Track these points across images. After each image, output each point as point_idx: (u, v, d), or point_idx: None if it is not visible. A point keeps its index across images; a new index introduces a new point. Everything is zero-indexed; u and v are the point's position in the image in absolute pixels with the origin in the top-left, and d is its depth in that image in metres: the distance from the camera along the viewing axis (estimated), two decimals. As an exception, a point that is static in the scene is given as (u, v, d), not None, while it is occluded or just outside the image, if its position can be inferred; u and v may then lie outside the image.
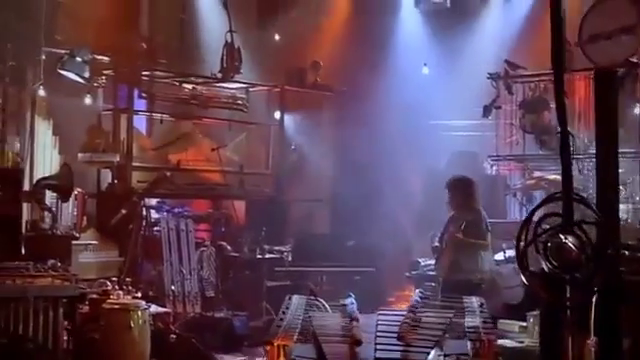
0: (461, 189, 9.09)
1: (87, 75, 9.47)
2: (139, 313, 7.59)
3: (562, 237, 4.45)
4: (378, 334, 4.72)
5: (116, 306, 7.64)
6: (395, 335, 4.57)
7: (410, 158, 13.51)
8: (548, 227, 4.56)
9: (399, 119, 13.35)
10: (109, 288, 7.79)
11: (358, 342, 4.25)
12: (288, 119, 13.06)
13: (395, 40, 14.06)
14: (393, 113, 13.27)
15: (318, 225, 13.30)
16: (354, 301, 5.80)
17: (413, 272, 10.89)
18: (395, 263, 12.11)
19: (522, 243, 4.56)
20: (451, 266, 8.82)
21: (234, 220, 11.83)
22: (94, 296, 7.88)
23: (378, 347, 4.33)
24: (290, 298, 5.91)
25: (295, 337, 4.46)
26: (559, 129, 10.74)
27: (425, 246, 12.00)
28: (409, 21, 14.40)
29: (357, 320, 5.10)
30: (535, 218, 4.69)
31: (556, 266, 4.39)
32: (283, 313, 5.22)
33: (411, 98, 13.09)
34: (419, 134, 13.41)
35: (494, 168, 12.09)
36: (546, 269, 4.39)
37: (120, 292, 7.72)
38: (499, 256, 10.21)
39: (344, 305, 5.73)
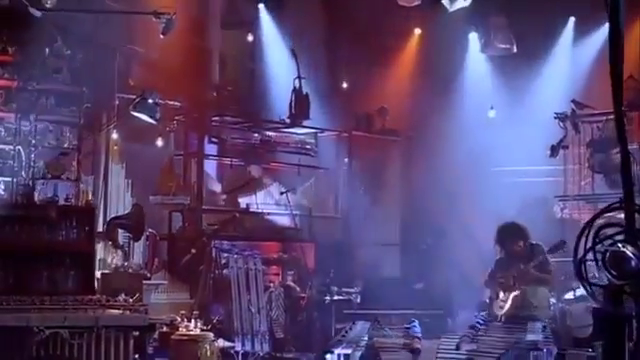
0: (517, 234, 8.95)
1: (157, 116, 9.75)
2: (207, 345, 7.71)
3: (621, 246, 4.41)
4: (439, 349, 4.74)
5: (184, 337, 7.77)
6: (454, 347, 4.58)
7: (476, 204, 13.50)
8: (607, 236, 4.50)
9: (465, 164, 13.37)
10: (178, 321, 7.90)
11: (416, 350, 4.28)
12: (356, 164, 13.17)
13: (462, 85, 14.11)
14: (460, 158, 13.30)
15: (386, 269, 13.31)
16: (417, 325, 5.82)
17: (482, 313, 10.77)
18: (464, 307, 12.03)
19: (580, 252, 4.51)
20: (520, 302, 8.67)
21: (303, 263, 11.90)
22: (164, 329, 8.03)
23: (438, 356, 4.35)
24: (354, 323, 5.94)
25: (356, 347, 4.50)
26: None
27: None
28: (476, 65, 14.44)
29: (419, 338, 5.12)
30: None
31: (615, 275, 4.34)
32: (346, 332, 5.25)
33: (477, 143, 13.13)
34: (486, 179, 13.40)
35: (565, 211, 11.96)
36: (605, 279, 4.34)
37: (190, 324, 7.83)
38: (569, 295, 10.08)
39: (407, 328, 5.75)
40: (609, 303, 4.66)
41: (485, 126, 13.14)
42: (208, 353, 7.64)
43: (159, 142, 10.90)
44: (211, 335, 7.82)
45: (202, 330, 7.90)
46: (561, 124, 10.98)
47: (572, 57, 13.92)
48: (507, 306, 8.79)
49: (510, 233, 8.78)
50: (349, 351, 4.20)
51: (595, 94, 11.84)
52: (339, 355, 4.24)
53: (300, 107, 12.26)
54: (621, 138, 5.55)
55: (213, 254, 10.47)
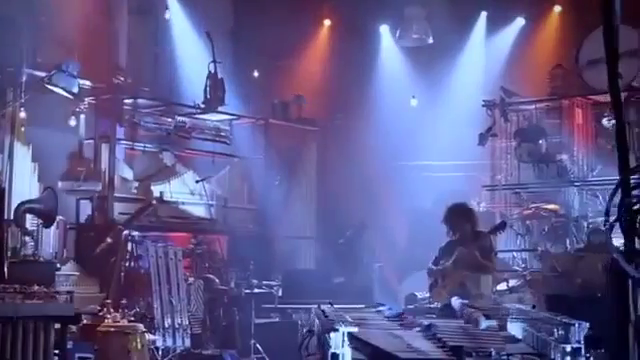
0: (467, 215, 8.70)
1: (75, 90, 8.98)
2: (138, 337, 7.04)
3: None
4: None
5: (112, 329, 7.08)
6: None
7: (393, 197, 13.30)
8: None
9: (383, 156, 13.17)
10: (104, 311, 7.21)
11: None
12: (272, 153, 12.67)
13: (379, 75, 13.87)
14: (378, 150, 13.08)
15: (302, 262, 12.88)
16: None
17: (409, 306, 10.46)
18: (384, 301, 11.71)
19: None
20: (459, 290, 8.37)
21: (219, 255, 11.32)
22: (84, 321, 7.31)
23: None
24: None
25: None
26: (557, 157, 10.59)
27: (411, 285, 11.78)
28: (391, 57, 14.25)
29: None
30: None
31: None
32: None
33: (396, 135, 12.91)
34: (403, 172, 13.26)
35: (482, 205, 11.79)
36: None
37: (117, 314, 7.16)
38: (502, 286, 9.89)
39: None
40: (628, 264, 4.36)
41: (406, 117, 12.92)
42: (139, 346, 6.97)
43: (71, 123, 10.11)
44: (141, 326, 7.16)
45: (130, 321, 7.22)
46: (489, 112, 10.74)
47: (487, 49, 13.89)
48: (445, 292, 8.51)
49: (459, 213, 8.48)
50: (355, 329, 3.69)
51: (512, 85, 11.78)
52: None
53: (215, 92, 11.68)
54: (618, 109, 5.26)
55: (127, 244, 9.79)
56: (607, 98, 10.10)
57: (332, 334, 3.66)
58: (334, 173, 13.23)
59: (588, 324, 3.63)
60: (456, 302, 5.80)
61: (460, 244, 8.38)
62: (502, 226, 8.69)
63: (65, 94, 8.94)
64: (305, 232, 13.05)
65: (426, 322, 4.18)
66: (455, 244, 8.44)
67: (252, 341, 10.34)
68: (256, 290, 10.70)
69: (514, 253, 10.36)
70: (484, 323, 3.81)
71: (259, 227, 12.19)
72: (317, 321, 5.13)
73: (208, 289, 10.29)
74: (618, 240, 9.28)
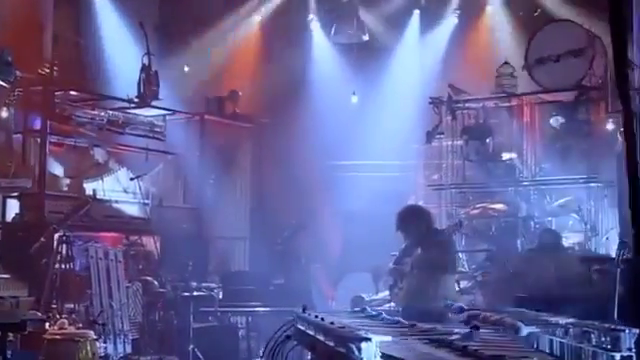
0: (418, 215, 8.44)
1: (12, 78, 8.38)
2: (88, 345, 6.54)
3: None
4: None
5: (60, 337, 6.56)
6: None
7: (327, 197, 13.05)
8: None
9: (319, 155, 12.92)
10: (51, 317, 6.68)
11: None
12: (207, 150, 12.22)
13: (314, 72, 13.60)
14: (313, 148, 12.81)
15: (237, 262, 12.49)
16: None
17: (357, 309, 10.14)
18: (322, 304, 11.44)
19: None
20: (418, 292, 8.11)
21: (154, 256, 10.82)
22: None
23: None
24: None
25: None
26: (505, 156, 10.45)
27: (347, 287, 11.54)
28: (324, 54, 14.01)
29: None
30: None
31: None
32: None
33: (333, 132, 12.66)
34: (338, 172, 13.05)
35: (420, 203, 11.60)
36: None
37: (64, 320, 6.63)
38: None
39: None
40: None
41: (345, 115, 12.68)
42: (89, 355, 6.47)
43: (2, 114, 9.47)
44: (92, 334, 6.65)
45: (79, 328, 6.71)
46: (436, 110, 10.52)
47: (422, 47, 13.79)
48: (402, 294, 8.25)
49: (410, 216, 8.19)
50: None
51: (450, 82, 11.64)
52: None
53: (149, 86, 11.18)
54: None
55: (62, 245, 9.21)
56: (555, 97, 10.15)
57: (364, 344, 3.29)
58: (269, 172, 12.90)
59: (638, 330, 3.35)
60: (455, 306, 5.48)
61: (418, 245, 8.13)
62: (458, 226, 8.49)
63: (1, 83, 8.33)
64: (239, 232, 12.63)
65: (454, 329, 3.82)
66: (414, 245, 8.19)
67: (191, 346, 9.89)
68: (195, 293, 10.24)
69: (463, 254, 10.17)
70: (525, 330, 3.50)
71: (194, 227, 11.73)
72: (307, 328, 4.78)
73: (147, 292, 9.79)
74: (568, 240, 9.08)
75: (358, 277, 11.81)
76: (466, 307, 4.99)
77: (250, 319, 10.90)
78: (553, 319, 3.93)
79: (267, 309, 10.47)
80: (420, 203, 11.78)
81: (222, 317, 10.69)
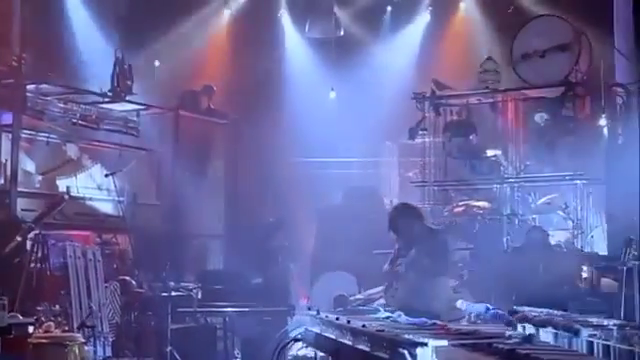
0: (409, 215, 8.23)
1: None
2: (77, 349, 6.24)
3: None
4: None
5: (47, 340, 6.26)
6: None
7: (301, 195, 12.88)
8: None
9: (292, 152, 12.77)
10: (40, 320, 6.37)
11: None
12: (182, 146, 11.91)
13: (288, 69, 13.43)
14: (287, 145, 12.66)
15: (212, 261, 12.22)
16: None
17: (339, 309, 9.94)
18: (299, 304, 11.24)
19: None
20: (414, 293, 7.91)
21: (129, 255, 10.50)
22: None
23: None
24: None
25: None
26: (489, 153, 10.32)
27: (324, 286, 11.33)
28: (298, 49, 13.87)
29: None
30: None
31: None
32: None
33: (308, 129, 12.49)
34: (311, 168, 12.92)
35: (394, 201, 11.46)
36: None
37: (51, 323, 6.33)
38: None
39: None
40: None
41: (321, 112, 12.54)
42: (78, 359, 6.17)
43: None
44: (80, 337, 6.35)
45: (65, 331, 6.41)
46: (419, 106, 10.35)
47: (396, 43, 13.72)
48: (398, 296, 8.06)
49: (402, 217, 7.99)
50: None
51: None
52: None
53: (123, 80, 10.88)
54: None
55: (38, 244, 8.90)
56: (540, 93, 10.04)
57: (419, 349, 3.07)
58: (244, 169, 12.66)
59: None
60: (480, 307, 5.30)
61: (412, 246, 7.94)
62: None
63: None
64: (213, 230, 12.34)
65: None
66: (407, 246, 8.00)
67: (169, 348, 9.60)
68: (173, 293, 9.94)
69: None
70: (585, 332, 3.31)
71: (169, 225, 11.42)
72: (324, 330, 4.56)
73: (125, 292, 9.48)
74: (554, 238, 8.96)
75: (334, 276, 11.62)
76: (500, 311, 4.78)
77: (227, 319, 10.64)
78: (596, 320, 3.75)
79: (247, 309, 10.24)
80: (394, 200, 11.73)
81: (199, 317, 10.40)
